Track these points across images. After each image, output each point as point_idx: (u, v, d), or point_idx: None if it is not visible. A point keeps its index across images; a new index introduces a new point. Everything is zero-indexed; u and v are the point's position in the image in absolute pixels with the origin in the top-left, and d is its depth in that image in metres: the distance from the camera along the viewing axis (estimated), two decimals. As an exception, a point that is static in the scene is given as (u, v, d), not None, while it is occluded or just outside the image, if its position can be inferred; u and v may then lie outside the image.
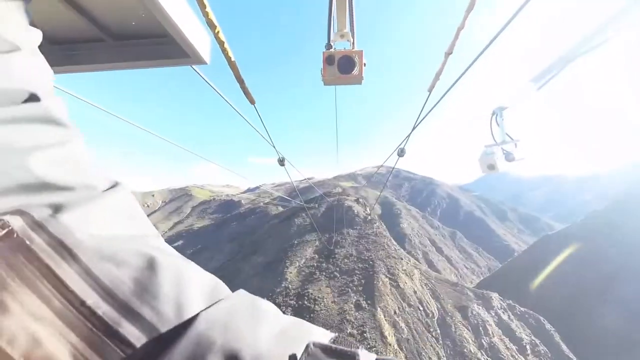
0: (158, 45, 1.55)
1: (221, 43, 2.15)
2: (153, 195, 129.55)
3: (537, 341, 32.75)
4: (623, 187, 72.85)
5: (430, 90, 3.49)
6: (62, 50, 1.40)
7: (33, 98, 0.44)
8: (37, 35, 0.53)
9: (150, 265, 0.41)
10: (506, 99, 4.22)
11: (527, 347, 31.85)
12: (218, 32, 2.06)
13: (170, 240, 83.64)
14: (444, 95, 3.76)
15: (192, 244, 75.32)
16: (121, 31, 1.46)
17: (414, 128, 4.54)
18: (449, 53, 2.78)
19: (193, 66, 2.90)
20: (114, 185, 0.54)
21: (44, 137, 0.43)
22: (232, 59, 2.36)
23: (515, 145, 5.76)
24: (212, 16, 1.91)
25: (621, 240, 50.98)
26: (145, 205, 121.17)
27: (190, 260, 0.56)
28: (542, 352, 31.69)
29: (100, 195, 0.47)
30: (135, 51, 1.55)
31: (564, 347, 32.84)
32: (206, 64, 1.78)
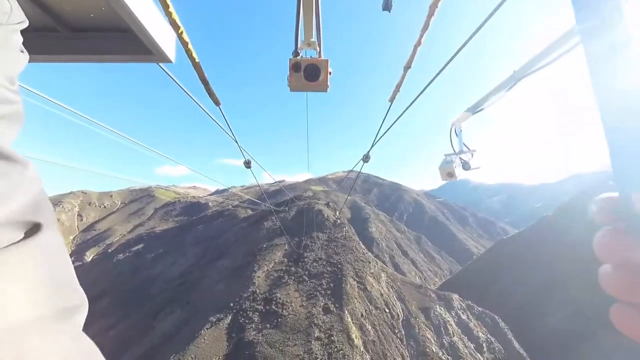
0: (119, 40, 1.50)
1: (185, 44, 2.13)
2: (111, 196, 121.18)
3: (493, 339, 34.85)
4: (568, 196, 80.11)
5: (391, 101, 3.67)
6: None
7: None
8: None
9: None
10: (453, 119, 4.81)
11: (484, 345, 33.78)
12: (182, 32, 2.04)
13: (129, 244, 78.66)
14: (404, 111, 3.97)
15: (154, 248, 71.31)
16: (77, 22, 1.40)
17: (376, 137, 4.74)
18: (407, 67, 2.96)
19: (160, 64, 2.82)
20: (33, 232, 0.46)
21: None
22: (197, 60, 2.34)
23: (471, 155, 6.20)
24: (175, 16, 1.89)
25: (567, 243, 55.89)
26: (102, 206, 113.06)
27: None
28: (497, 349, 33.76)
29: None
30: (93, 44, 1.49)
31: (515, 344, 35.22)
32: (171, 62, 1.75)
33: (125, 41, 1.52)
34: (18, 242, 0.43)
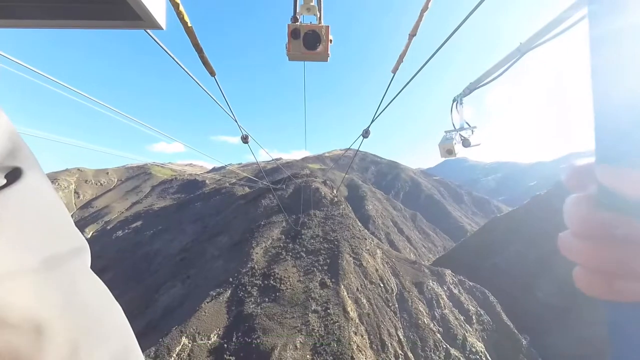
0: (105, 4, 1.39)
1: (176, 5, 1.97)
2: (107, 173, 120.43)
3: (482, 312, 36.37)
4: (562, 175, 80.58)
5: (394, 72, 3.53)
6: None
7: None
8: None
9: (38, 332, 0.36)
10: (456, 94, 4.74)
11: (473, 317, 35.29)
12: (172, -8, 1.89)
13: (128, 221, 79.20)
14: (410, 81, 3.84)
15: (152, 225, 71.92)
16: None
17: (378, 110, 4.62)
18: (413, 35, 2.81)
19: (148, 31, 2.65)
20: (14, 177, 0.43)
21: None
22: (189, 24, 2.19)
23: (472, 132, 6.11)
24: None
25: (559, 221, 56.98)
26: (98, 183, 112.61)
27: (109, 306, 0.48)
28: (486, 321, 35.32)
29: None
30: (78, 9, 1.37)
31: (503, 316, 36.83)
32: (162, 29, 1.62)
33: (110, 5, 1.39)
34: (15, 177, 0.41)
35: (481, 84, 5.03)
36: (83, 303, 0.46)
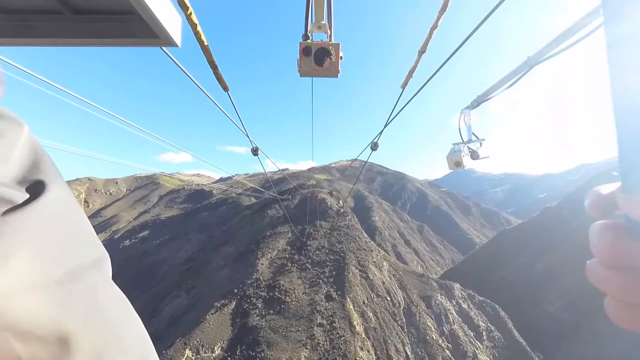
0: (124, 22, 1.45)
1: (194, 26, 2.06)
2: (117, 183, 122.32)
3: (493, 327, 35.30)
4: (573, 187, 79.41)
5: (403, 87, 3.58)
6: (13, 20, 1.28)
7: None
8: None
9: (63, 344, 0.36)
10: (463, 107, 4.86)
11: (484, 333, 34.25)
12: (190, 13, 1.97)
13: (135, 231, 79.82)
14: (417, 92, 3.88)
15: (159, 235, 72.37)
16: (82, 4, 1.35)
17: (387, 123, 4.66)
18: (422, 51, 2.86)
19: (164, 48, 2.74)
20: (37, 190, 0.44)
21: None
22: (205, 43, 2.28)
23: (480, 144, 6.09)
24: (184, -4, 1.82)
25: (571, 234, 55.76)
26: (108, 193, 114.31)
27: (129, 316, 0.49)
28: (497, 337, 34.23)
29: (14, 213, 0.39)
30: (97, 27, 1.44)
31: (515, 332, 35.66)
32: (177, 46, 1.69)
33: (129, 24, 1.46)
34: (21, 204, 0.42)
35: (488, 97, 5.05)
36: (105, 314, 0.47)
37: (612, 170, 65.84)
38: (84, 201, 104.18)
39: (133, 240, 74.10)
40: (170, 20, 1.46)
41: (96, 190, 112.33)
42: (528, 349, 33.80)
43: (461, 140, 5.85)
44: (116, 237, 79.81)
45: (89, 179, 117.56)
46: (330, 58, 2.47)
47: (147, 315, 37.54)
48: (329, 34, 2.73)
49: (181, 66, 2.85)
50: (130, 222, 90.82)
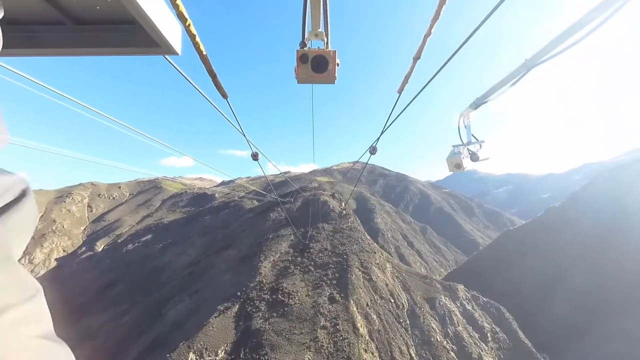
0: (125, 32, 1.50)
1: (192, 36, 2.12)
2: (120, 187, 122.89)
3: (497, 329, 35.04)
4: (577, 186, 78.88)
5: (399, 92, 3.62)
6: (18, 31, 1.33)
7: None
8: None
9: None
10: (462, 109, 4.85)
11: (488, 334, 34.00)
12: (189, 25, 2.02)
13: (138, 235, 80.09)
14: (412, 100, 3.93)
15: (162, 238, 72.55)
16: (84, 15, 1.40)
17: (384, 128, 4.70)
18: (417, 58, 2.91)
19: (166, 57, 2.81)
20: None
21: None
22: (204, 53, 2.33)
23: (480, 146, 6.11)
24: (182, 8, 1.87)
25: (575, 234, 55.35)
26: (111, 197, 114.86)
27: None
28: (502, 339, 33.97)
29: None
30: (99, 37, 1.49)
31: (520, 334, 35.38)
32: (177, 54, 1.75)
33: (130, 34, 1.51)
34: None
35: (487, 99, 5.07)
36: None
37: (615, 169, 65.39)
38: (88, 206, 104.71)
39: (136, 244, 74.33)
40: (171, 29, 1.51)
41: (99, 195, 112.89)
42: (534, 350, 33.51)
43: (461, 142, 5.87)
44: (119, 241, 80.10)
45: (92, 183, 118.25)
46: (327, 65, 2.53)
47: (151, 320, 37.59)
48: (326, 41, 2.78)
49: (183, 73, 2.92)
50: (133, 226, 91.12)
